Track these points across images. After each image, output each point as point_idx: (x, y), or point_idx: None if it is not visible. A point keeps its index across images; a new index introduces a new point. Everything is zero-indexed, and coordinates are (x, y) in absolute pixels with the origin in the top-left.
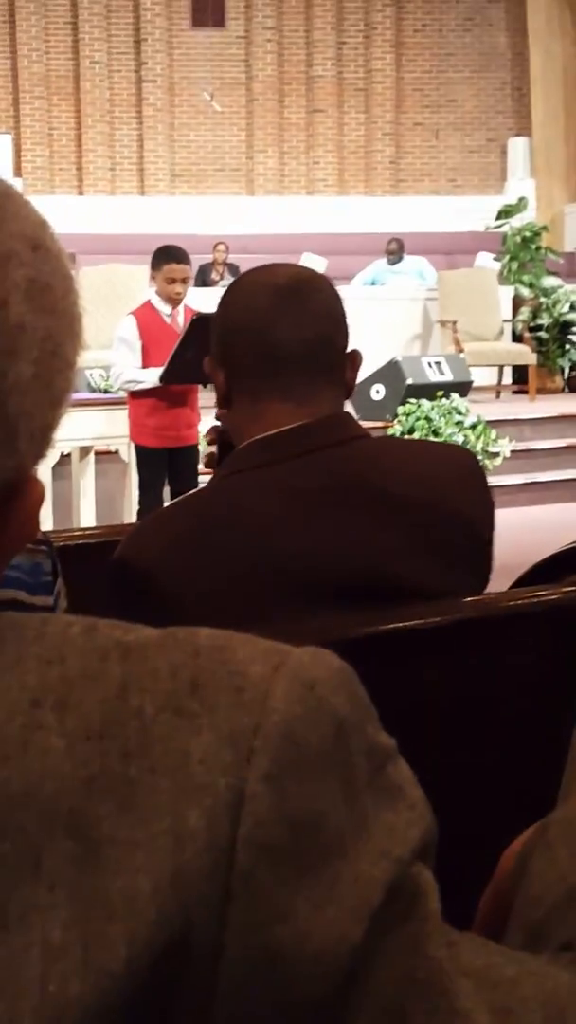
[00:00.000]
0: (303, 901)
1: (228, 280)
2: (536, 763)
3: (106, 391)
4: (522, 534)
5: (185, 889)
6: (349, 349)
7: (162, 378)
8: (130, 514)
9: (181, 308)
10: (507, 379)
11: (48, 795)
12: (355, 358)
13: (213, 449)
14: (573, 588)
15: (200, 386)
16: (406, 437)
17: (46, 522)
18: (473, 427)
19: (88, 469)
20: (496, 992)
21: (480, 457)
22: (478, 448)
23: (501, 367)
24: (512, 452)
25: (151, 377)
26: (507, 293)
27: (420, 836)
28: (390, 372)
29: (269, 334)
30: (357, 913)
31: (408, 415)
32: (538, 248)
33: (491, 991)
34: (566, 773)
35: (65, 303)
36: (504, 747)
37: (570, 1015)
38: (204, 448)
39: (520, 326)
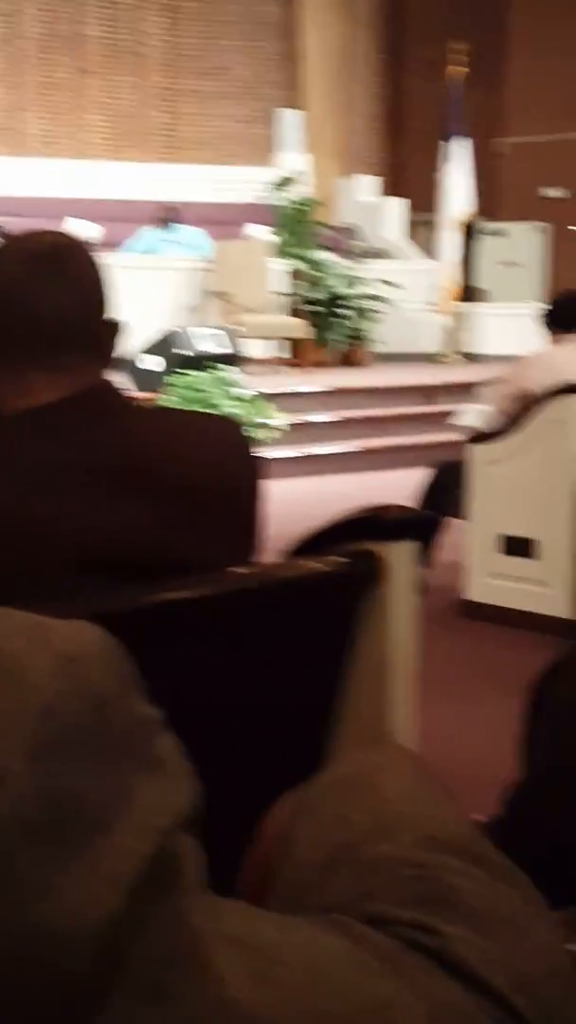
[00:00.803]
0: (64, 877)
1: None
2: (303, 730)
3: None
4: (297, 506)
5: None
6: (114, 319)
7: None
8: None
9: None
10: (281, 352)
11: None
12: (116, 328)
13: None
14: (344, 559)
15: None
16: (173, 408)
17: None
18: (248, 400)
19: None
20: (258, 958)
21: (255, 430)
22: (254, 420)
23: (276, 340)
24: (287, 425)
25: None
26: (281, 266)
27: (183, 807)
28: (163, 343)
29: (25, 305)
30: (118, 885)
31: (181, 386)
32: (311, 222)
33: (253, 957)
34: (331, 739)
35: None
36: (272, 715)
37: (331, 975)
38: None
39: (294, 299)
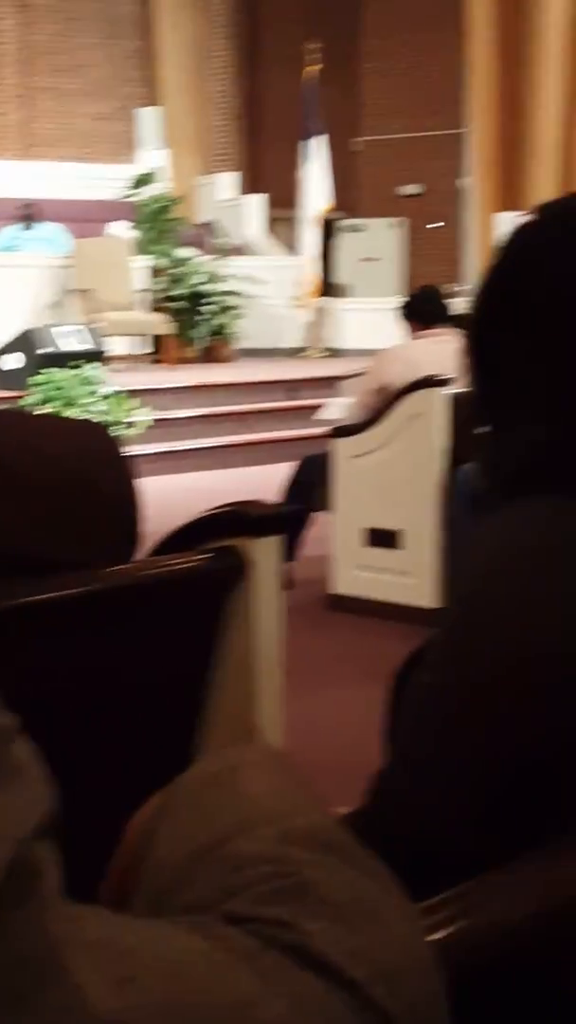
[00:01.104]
0: None
1: None
2: (174, 728)
3: None
4: (162, 503)
5: None
6: None
7: None
8: None
9: None
10: (144, 349)
11: None
12: None
13: None
14: (209, 555)
15: None
16: (36, 412)
17: None
18: (111, 397)
19: None
20: (117, 962)
21: (119, 427)
22: (117, 418)
23: (138, 337)
24: (150, 421)
25: None
26: (142, 263)
27: (40, 815)
28: (24, 341)
29: None
30: None
31: (43, 385)
32: (171, 219)
33: (112, 962)
34: (201, 735)
35: None
36: (140, 714)
37: (191, 977)
38: None
39: (156, 296)
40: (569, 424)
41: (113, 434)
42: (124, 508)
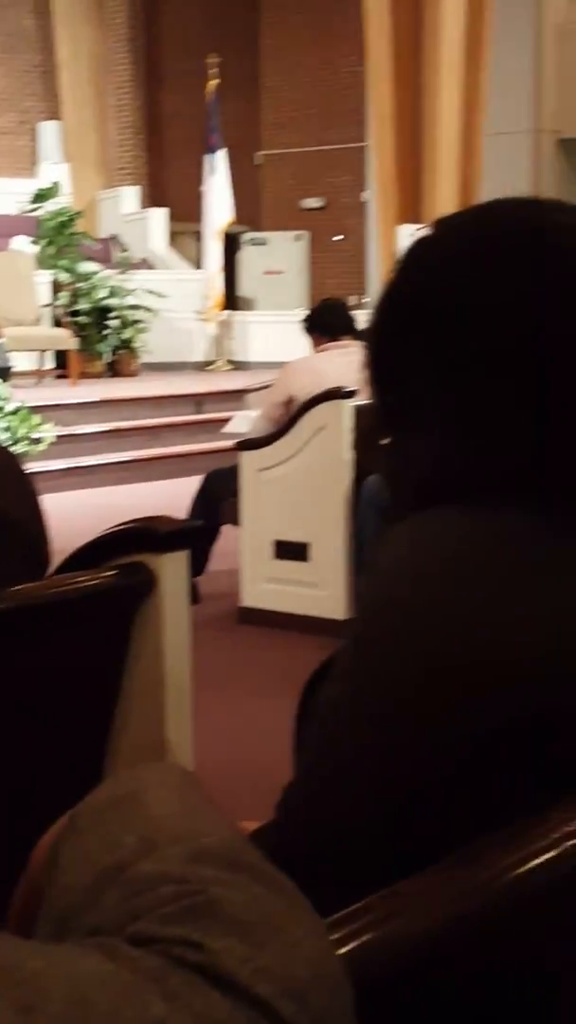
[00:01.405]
0: None
1: None
2: (80, 746)
3: None
4: (67, 519)
5: None
6: None
7: None
8: None
9: None
10: (48, 364)
11: None
12: None
13: None
14: (114, 572)
15: None
16: None
17: None
18: (15, 412)
19: None
20: (19, 989)
21: (23, 444)
22: (21, 434)
23: (42, 352)
24: (56, 437)
25: None
26: (45, 278)
27: None
28: None
29: None
30: None
31: None
32: (74, 233)
33: (14, 988)
34: (109, 754)
35: None
36: (49, 733)
37: (98, 1001)
38: None
39: (59, 311)
40: (470, 433)
41: (16, 453)
42: (30, 528)
